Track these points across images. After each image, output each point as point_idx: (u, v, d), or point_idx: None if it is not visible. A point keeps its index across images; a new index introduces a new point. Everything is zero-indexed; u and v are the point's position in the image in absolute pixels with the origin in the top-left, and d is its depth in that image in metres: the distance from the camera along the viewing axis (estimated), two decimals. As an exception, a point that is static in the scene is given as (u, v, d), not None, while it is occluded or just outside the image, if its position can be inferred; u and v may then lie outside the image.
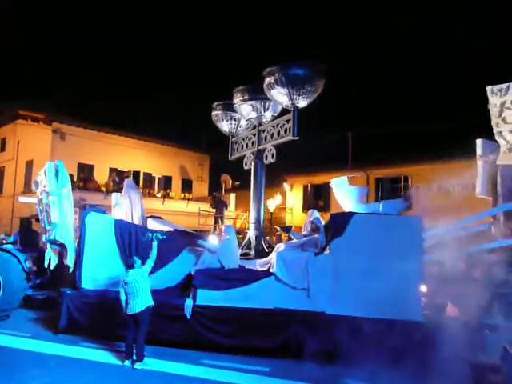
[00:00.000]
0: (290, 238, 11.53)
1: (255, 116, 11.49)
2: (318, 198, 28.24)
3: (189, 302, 9.30)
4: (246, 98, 11.30)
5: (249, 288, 9.59)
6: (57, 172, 10.46)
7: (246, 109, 11.49)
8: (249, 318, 9.22)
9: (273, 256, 10.17)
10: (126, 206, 11.86)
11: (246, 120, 11.90)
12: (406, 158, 24.39)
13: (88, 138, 25.36)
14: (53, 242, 10.38)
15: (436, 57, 41.52)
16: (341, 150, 30.16)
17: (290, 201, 30.51)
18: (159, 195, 26.95)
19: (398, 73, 35.68)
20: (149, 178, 28.55)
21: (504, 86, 8.76)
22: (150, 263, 8.67)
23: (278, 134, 10.79)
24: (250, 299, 9.44)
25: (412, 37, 43.40)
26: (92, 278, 10.19)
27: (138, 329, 8.21)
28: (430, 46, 41.47)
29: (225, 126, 12.56)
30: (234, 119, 12.32)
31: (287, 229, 11.84)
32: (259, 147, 11.53)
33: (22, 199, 20.98)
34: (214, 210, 20.81)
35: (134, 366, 8.04)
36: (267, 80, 10.32)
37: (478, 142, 9.47)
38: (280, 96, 10.29)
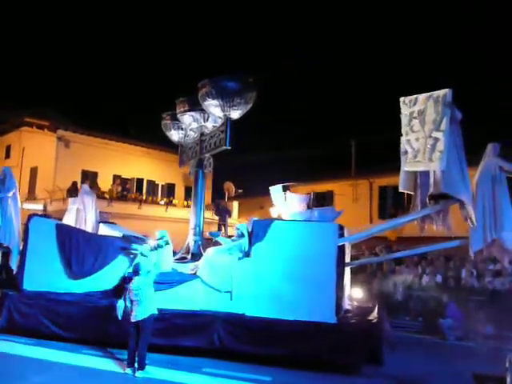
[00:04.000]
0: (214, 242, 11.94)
1: (196, 126, 11.85)
2: (320, 205, 28.16)
3: (120, 304, 9.68)
4: (186, 108, 11.68)
5: (176, 290, 10.07)
6: (5, 177, 11.22)
7: (187, 119, 11.86)
8: (176, 319, 9.70)
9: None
10: (79, 211, 12.42)
11: (190, 130, 12.27)
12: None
13: (92, 146, 26.07)
14: (-2, 245, 11.13)
15: (438, 61, 41.02)
16: (344, 158, 30.17)
17: (293, 208, 30.60)
18: (162, 202, 27.47)
19: (402, 78, 35.37)
20: (152, 186, 29.18)
21: (413, 97, 9.07)
22: (155, 271, 8.98)
23: (215, 143, 11.14)
24: (177, 301, 9.94)
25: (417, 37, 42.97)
26: (34, 280, 10.74)
27: (139, 337, 8.36)
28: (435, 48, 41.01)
29: (174, 135, 12.93)
30: (182, 129, 12.65)
31: (216, 234, 12.22)
32: (200, 156, 11.91)
33: (27, 205, 21.36)
34: (217, 218, 20.97)
35: (136, 375, 8.13)
36: (201, 92, 10.68)
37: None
38: (212, 107, 10.61)
